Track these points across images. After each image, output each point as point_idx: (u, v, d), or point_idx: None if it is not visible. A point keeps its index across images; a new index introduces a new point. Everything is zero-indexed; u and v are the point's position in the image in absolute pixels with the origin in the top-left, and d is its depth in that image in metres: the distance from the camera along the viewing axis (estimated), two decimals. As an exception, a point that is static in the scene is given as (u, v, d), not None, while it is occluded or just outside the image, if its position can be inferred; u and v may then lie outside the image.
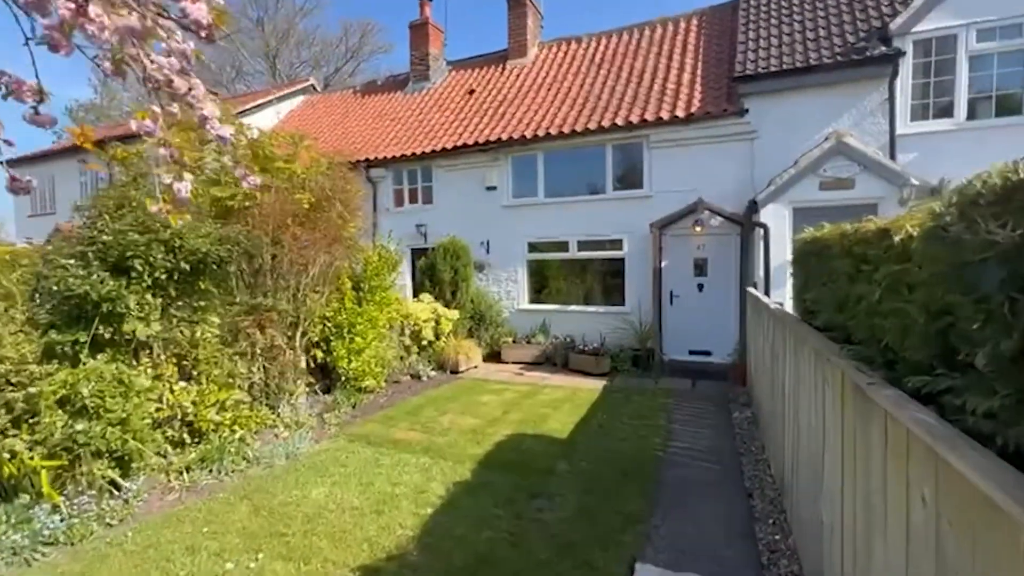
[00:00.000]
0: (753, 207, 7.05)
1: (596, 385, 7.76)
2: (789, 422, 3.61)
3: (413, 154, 11.01)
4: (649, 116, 8.88)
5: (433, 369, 8.60)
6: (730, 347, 8.42)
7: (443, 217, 11.04)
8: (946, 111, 7.33)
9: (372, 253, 7.27)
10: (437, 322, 8.91)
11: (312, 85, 17.21)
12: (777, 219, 6.90)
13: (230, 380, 5.34)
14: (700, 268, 8.86)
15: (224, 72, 31.25)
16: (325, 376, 7.08)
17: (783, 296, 6.95)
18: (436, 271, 9.18)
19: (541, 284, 10.50)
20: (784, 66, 7.92)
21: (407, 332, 8.62)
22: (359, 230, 7.13)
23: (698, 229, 8.55)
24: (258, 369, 5.90)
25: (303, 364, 6.68)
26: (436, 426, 5.82)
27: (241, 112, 13.91)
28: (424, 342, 8.70)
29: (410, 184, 11.58)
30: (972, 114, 7.23)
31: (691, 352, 8.94)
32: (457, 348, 8.79)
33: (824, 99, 7.81)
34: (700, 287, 8.83)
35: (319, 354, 6.64)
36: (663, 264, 8.97)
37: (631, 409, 6.44)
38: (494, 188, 10.46)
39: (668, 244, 8.96)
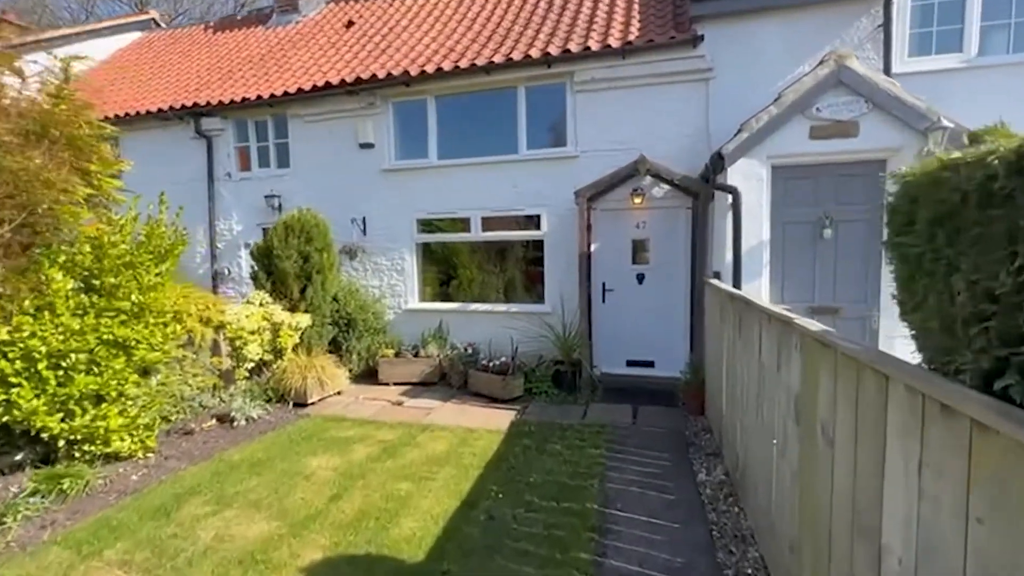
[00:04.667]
0: (716, 165, 4.90)
1: (501, 421, 5.38)
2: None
3: (260, 98, 7.97)
4: (574, 47, 6.53)
5: (265, 404, 5.82)
6: (680, 357, 6.35)
7: (303, 185, 8.15)
8: (952, 44, 5.57)
9: (113, 229, 4.29)
10: (276, 333, 6.12)
11: (153, 19, 13.32)
12: (750, 181, 4.82)
13: None
14: (640, 253, 6.71)
15: (72, 11, 25.54)
16: (35, 441, 4.12)
17: (758, 290, 4.90)
18: (274, 259, 6.34)
19: (437, 276, 7.95)
20: (749, -22, 5.85)
21: (223, 350, 5.77)
22: (94, 189, 4.18)
23: (637, 200, 6.37)
24: None
25: (-38, 428, 3.71)
26: (185, 546, 3.14)
27: (27, 45, 10.00)
28: (249, 364, 5.89)
29: (259, 140, 8.52)
30: (984, 48, 5.51)
31: (630, 363, 6.81)
32: (305, 369, 6.06)
33: (801, 25, 5.83)
34: (640, 278, 6.69)
35: (-9, 409, 3.69)
36: (593, 248, 6.72)
37: (545, 471, 4.11)
38: (371, 146, 7.71)
39: (599, 221, 6.73)
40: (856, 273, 4.78)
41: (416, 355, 7.06)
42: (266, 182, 8.31)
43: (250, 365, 5.88)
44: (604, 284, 6.80)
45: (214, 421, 5.30)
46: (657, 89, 6.41)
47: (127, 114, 8.69)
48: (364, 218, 7.84)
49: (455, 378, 6.75)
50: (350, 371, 7.15)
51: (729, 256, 4.89)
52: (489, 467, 4.23)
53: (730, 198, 4.84)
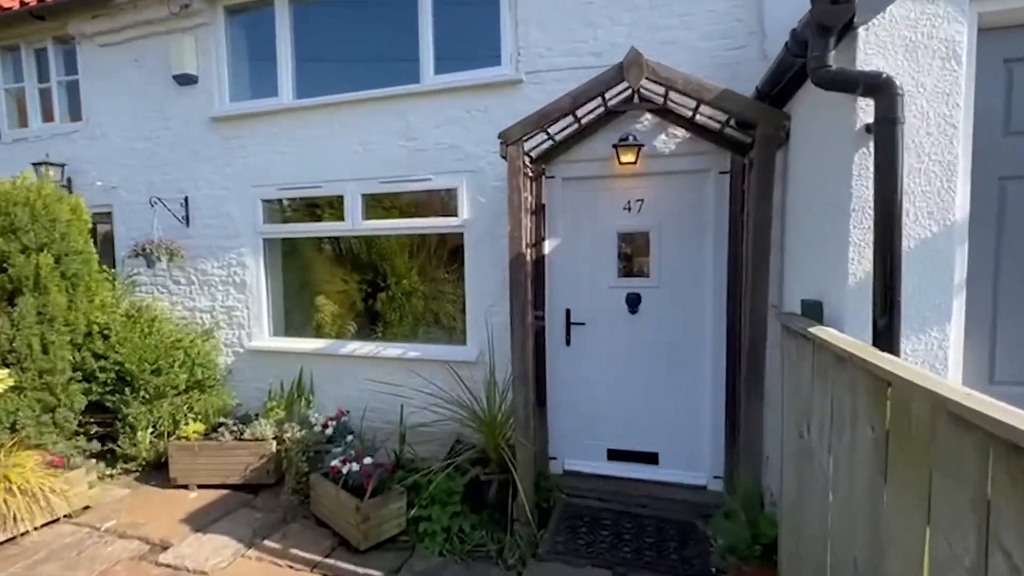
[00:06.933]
0: (827, 17, 1.85)
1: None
2: None
3: (24, 3, 4.96)
4: None
5: None
6: (705, 448, 3.40)
7: (102, 146, 5.13)
8: None
9: None
10: (-95, 414, 3.08)
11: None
12: (925, 60, 1.80)
13: None
14: (634, 256, 3.70)
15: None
16: None
17: (940, 352, 1.85)
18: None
19: (300, 293, 4.94)
20: None
21: None
22: None
23: (628, 158, 3.39)
24: None
25: None
26: None
27: None
28: None
29: (41, 80, 5.50)
30: None
31: (614, 456, 3.79)
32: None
33: None
34: (633, 302, 3.67)
35: None
36: (547, 247, 3.72)
37: None
38: (192, 80, 4.70)
39: (558, 198, 3.72)
40: None
41: (240, 436, 4.01)
42: (49, 143, 5.28)
43: None
44: (569, 313, 3.77)
45: None
46: (664, -52, 3.41)
47: None
48: (186, 198, 4.82)
49: (293, 482, 3.70)
50: (132, 461, 4.13)
51: (859, 268, 1.85)
52: None
53: (862, 111, 1.81)
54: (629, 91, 3.29)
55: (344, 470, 3.28)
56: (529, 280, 3.43)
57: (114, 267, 4.98)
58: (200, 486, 3.91)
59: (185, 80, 4.68)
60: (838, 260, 1.95)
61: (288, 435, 3.91)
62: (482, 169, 3.88)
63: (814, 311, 2.11)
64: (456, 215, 3.98)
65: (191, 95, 4.73)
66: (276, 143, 4.49)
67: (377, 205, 4.36)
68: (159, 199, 4.68)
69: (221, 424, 4.13)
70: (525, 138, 3.07)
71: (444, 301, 4.43)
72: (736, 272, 3.27)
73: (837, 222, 1.97)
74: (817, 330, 1.82)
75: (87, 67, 5.14)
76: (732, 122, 3.10)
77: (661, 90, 3.08)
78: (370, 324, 4.63)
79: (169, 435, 4.16)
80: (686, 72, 2.72)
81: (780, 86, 2.49)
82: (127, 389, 4.07)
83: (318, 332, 4.74)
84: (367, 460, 3.28)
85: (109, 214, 5.18)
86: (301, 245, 4.87)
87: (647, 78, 2.71)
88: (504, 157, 3.03)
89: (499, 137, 3.02)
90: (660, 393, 3.64)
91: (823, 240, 2.11)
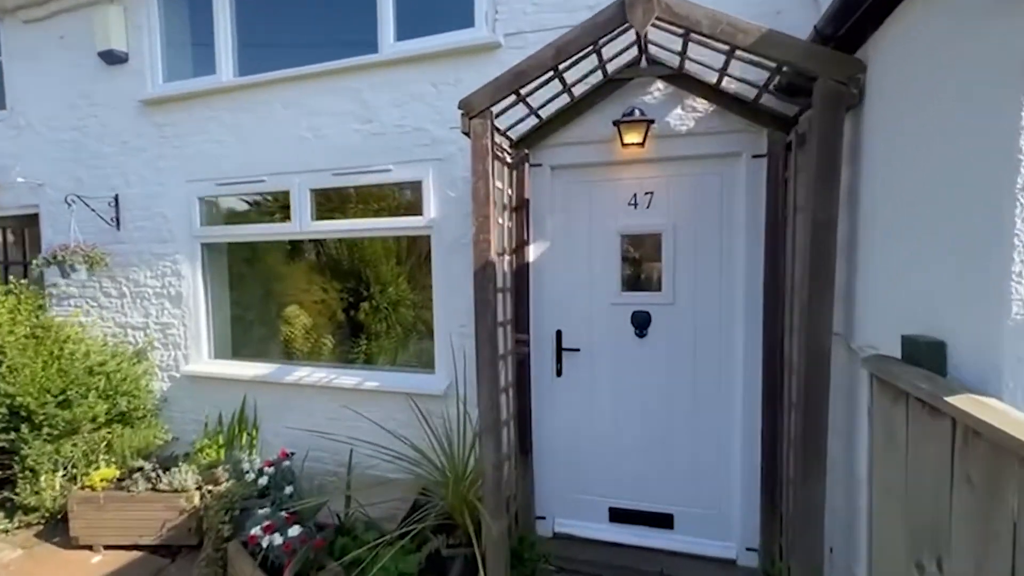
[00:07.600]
0: None
1: None
2: None
3: (-63, -22, 4.32)
4: None
5: None
6: (734, 510, 2.58)
7: (27, 139, 4.45)
8: None
9: None
10: None
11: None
12: None
13: None
14: (642, 266, 2.92)
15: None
16: None
17: None
18: None
19: (246, 307, 4.20)
20: None
21: None
22: None
23: (632, 139, 2.61)
24: None
25: None
26: None
27: None
28: None
29: (-37, 64, 4.86)
30: None
31: (617, 516, 2.98)
32: None
33: None
34: (641, 324, 2.88)
35: None
36: (533, 254, 2.94)
37: None
38: (122, 59, 4.00)
39: (546, 190, 2.94)
40: None
41: (156, 485, 3.27)
42: (-30, 137, 4.63)
43: None
44: (560, 336, 2.99)
45: None
46: None
47: None
48: (116, 197, 4.11)
49: (211, 550, 2.95)
50: (34, 512, 3.42)
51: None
52: None
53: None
54: (635, 49, 2.54)
55: (264, 543, 2.53)
56: (508, 295, 2.68)
57: (43, 278, 4.32)
58: (108, 547, 3.19)
59: (113, 59, 3.99)
60: (983, 275, 1.16)
61: (214, 486, 3.16)
62: (452, 156, 3.12)
63: (930, 356, 1.31)
64: (421, 214, 3.22)
65: (120, 76, 4.04)
66: (214, 130, 3.77)
67: (357, 204, 3.63)
68: (78, 197, 3.97)
69: (139, 468, 3.41)
70: (497, 109, 2.31)
71: (402, 318, 3.68)
72: (776, 286, 2.48)
73: (979, 212, 1.18)
74: (965, 402, 1.03)
75: (11, 48, 4.47)
76: (772, 86, 2.32)
77: (677, 46, 2.32)
78: (351, 337, 3.86)
79: (84, 479, 3.45)
80: (712, 9, 1.94)
81: (854, 19, 1.71)
82: (24, 426, 3.35)
83: (287, 348, 3.98)
84: (293, 531, 2.52)
85: (37, 215, 4.51)
86: (261, 250, 4.13)
87: (658, 19, 1.94)
88: (467, 133, 2.27)
89: (459, 107, 2.27)
90: (676, 440, 2.84)
91: (946, 242, 1.32)
